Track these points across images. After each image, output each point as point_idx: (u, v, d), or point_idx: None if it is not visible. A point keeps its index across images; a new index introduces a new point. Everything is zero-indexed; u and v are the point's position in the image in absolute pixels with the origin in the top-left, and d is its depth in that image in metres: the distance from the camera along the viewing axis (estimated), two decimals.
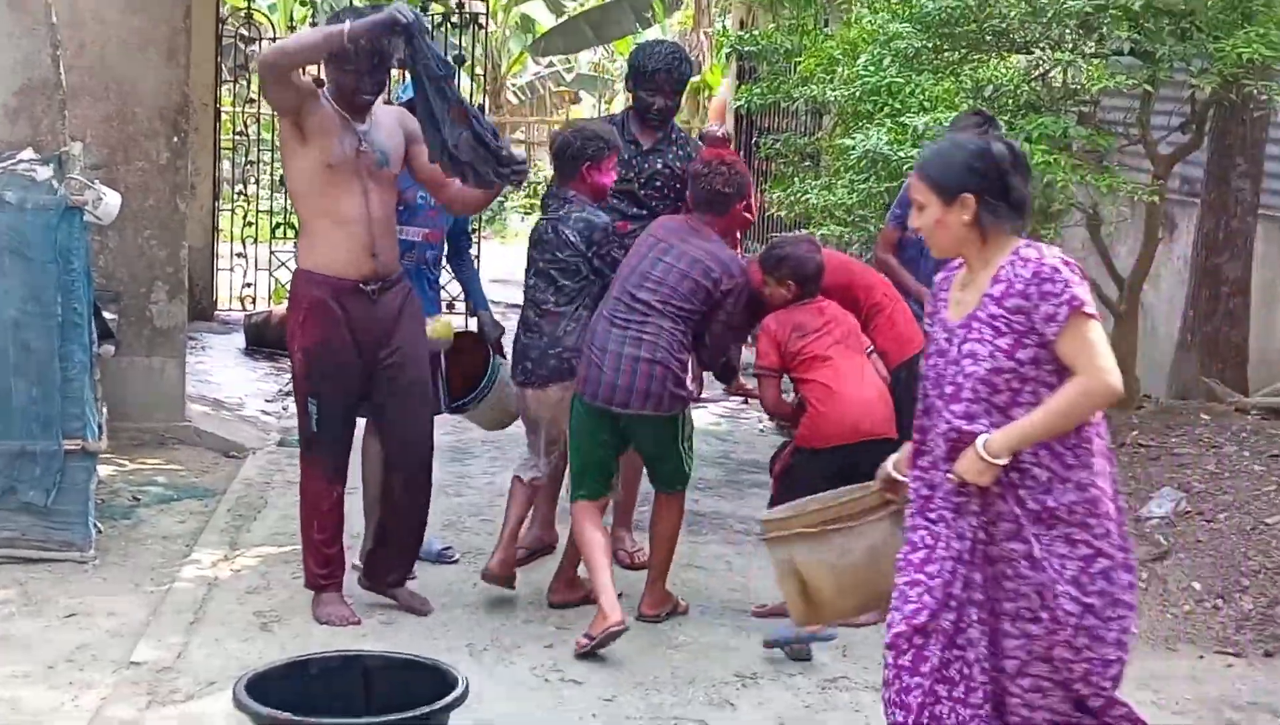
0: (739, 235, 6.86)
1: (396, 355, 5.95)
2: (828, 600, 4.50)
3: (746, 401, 9.59)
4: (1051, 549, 3.96)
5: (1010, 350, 3.95)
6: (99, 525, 6.95)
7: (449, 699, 4.17)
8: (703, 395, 7.13)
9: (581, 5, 25.90)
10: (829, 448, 6.12)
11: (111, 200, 6.82)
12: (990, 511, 3.99)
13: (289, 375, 11.00)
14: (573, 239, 6.21)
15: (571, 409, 6.17)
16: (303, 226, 6.07)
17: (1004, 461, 3.91)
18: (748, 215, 6.74)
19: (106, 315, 7.72)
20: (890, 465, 4.35)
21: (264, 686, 4.23)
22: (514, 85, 27.28)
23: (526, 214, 22.96)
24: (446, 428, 9.53)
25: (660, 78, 6.77)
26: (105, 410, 7.22)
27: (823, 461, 6.06)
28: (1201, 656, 6.28)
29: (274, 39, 14.72)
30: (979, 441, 3.91)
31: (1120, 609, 4.00)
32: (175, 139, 8.54)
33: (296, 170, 5.85)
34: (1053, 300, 3.92)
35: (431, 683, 4.29)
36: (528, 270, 6.40)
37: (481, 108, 14.71)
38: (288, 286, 13.18)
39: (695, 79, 26.09)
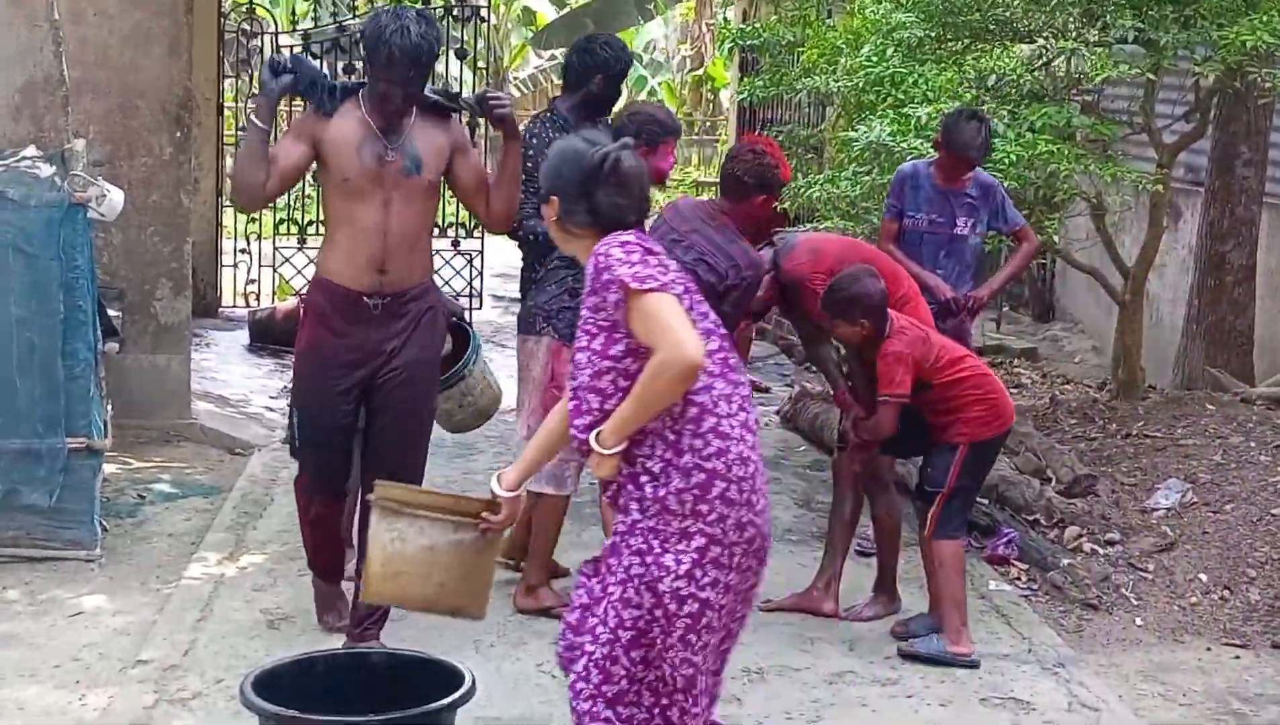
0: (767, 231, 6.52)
1: (396, 375, 5.55)
2: (372, 574, 4.38)
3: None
4: (666, 545, 3.89)
5: (603, 349, 3.91)
6: (104, 524, 6.95)
7: (456, 696, 4.15)
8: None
9: None
10: (1001, 434, 6.15)
11: (115, 197, 6.81)
12: (620, 506, 3.99)
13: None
14: None
15: None
16: (326, 231, 5.74)
17: (613, 451, 3.89)
18: (775, 212, 6.35)
19: (111, 312, 7.71)
20: (495, 481, 4.30)
21: (272, 684, 4.22)
22: (516, 78, 27.26)
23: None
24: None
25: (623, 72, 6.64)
26: (110, 408, 7.22)
27: (994, 449, 6.23)
28: (1209, 648, 6.27)
29: (275, 33, 14.74)
30: (592, 435, 3.90)
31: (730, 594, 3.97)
32: (179, 134, 8.52)
33: (321, 179, 5.66)
34: (611, 287, 3.87)
35: (439, 680, 4.28)
36: None
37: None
38: (292, 282, 13.32)
39: (699, 71, 26.08)
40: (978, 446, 6.03)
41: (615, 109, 6.92)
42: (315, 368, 5.57)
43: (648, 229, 6.14)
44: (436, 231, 10.28)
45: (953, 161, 7.00)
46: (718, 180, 6.10)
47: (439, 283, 8.38)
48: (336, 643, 5.67)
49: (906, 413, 6.01)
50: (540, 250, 6.17)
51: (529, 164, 6.00)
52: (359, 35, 13.51)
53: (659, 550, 3.88)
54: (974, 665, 5.84)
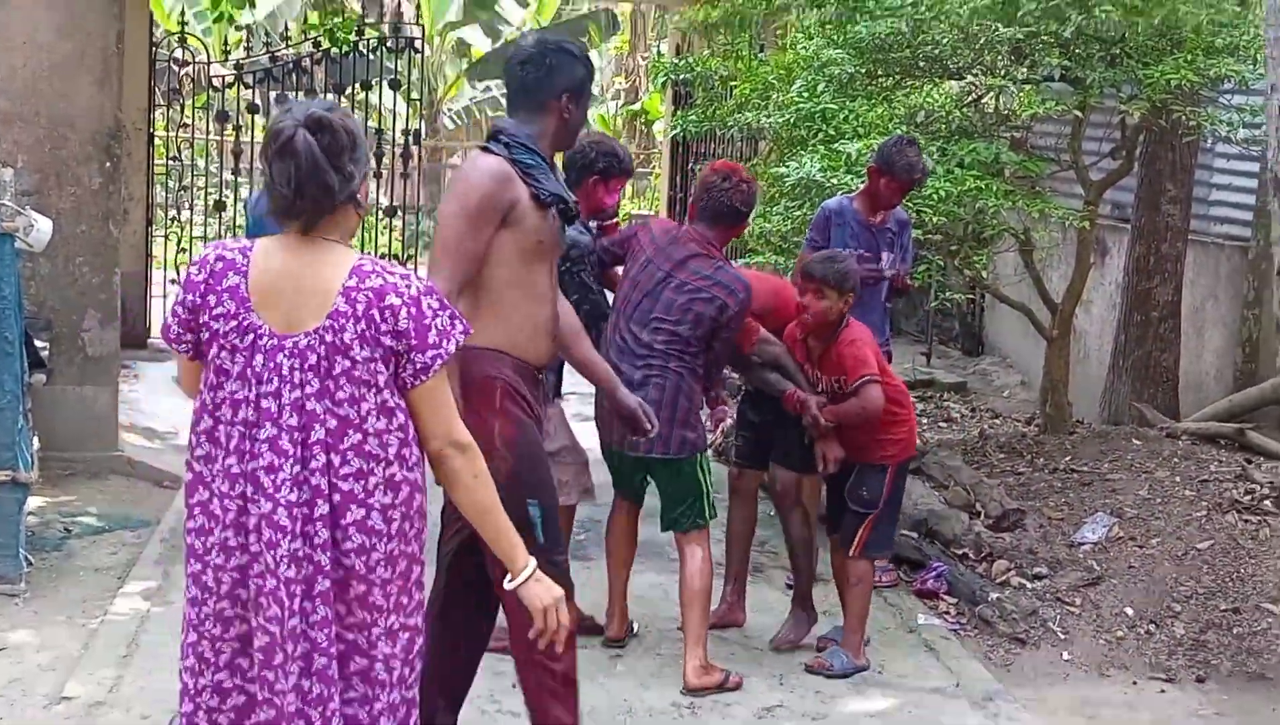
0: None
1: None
2: None
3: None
4: None
5: None
6: (29, 557, 6.86)
7: None
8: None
9: (517, 31, 25.89)
10: (913, 456, 6.39)
11: (43, 227, 6.74)
12: None
13: None
14: None
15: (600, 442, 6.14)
16: (482, 296, 4.57)
17: None
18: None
19: (38, 343, 7.64)
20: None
21: None
22: (450, 110, 27.22)
23: None
24: None
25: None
26: (37, 440, 7.14)
27: (907, 471, 6.40)
28: (1135, 682, 6.33)
29: (208, 63, 14.68)
30: None
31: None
32: (108, 164, 8.46)
33: (498, 240, 4.53)
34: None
35: None
36: None
37: (418, 132, 14.71)
38: None
39: (634, 106, 26.16)
40: (901, 467, 6.24)
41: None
42: (536, 446, 4.69)
43: (627, 253, 6.10)
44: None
45: (892, 188, 7.00)
46: (700, 206, 6.04)
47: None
48: None
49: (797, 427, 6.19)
50: None
51: None
52: (290, 66, 13.58)
53: None
54: (865, 668, 6.18)
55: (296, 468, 3.37)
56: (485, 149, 4.61)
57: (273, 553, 3.38)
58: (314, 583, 3.40)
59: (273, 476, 3.38)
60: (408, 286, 3.39)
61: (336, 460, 3.38)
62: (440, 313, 3.41)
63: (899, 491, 6.34)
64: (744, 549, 6.76)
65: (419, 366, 3.38)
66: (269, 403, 3.37)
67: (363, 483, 3.40)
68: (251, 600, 3.43)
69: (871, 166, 7.06)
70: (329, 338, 3.35)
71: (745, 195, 6.04)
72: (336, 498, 3.39)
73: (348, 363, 3.35)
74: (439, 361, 3.39)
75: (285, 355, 3.36)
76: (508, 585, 3.64)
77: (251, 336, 3.38)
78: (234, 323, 3.41)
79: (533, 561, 3.62)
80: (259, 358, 3.37)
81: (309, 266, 3.40)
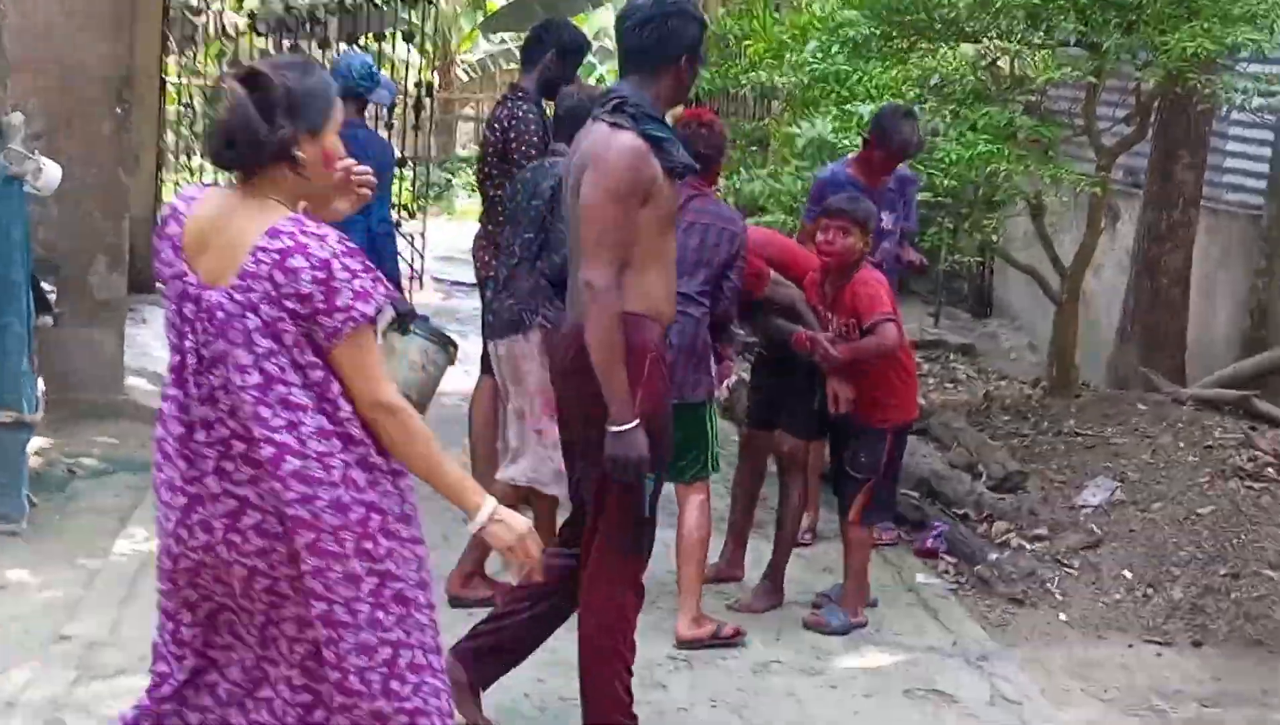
0: None
1: None
2: None
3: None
4: None
5: None
6: (33, 498, 6.90)
7: None
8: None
9: None
10: (913, 420, 6.46)
11: (52, 171, 6.76)
12: None
13: None
14: (544, 187, 5.96)
15: None
16: (626, 271, 4.52)
17: None
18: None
19: (45, 287, 7.65)
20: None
21: None
22: (465, 62, 27.17)
23: (473, 191, 22.85)
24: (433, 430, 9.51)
25: (585, 55, 7.20)
26: (43, 382, 7.16)
27: (906, 437, 6.49)
28: (1131, 645, 6.34)
29: (221, 11, 14.66)
30: None
31: None
32: (119, 111, 8.46)
33: (640, 216, 4.51)
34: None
35: None
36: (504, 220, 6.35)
37: (430, 85, 14.69)
38: None
39: None
40: (900, 432, 6.26)
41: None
42: (669, 428, 4.75)
43: None
44: None
45: (885, 159, 7.03)
46: None
47: None
48: None
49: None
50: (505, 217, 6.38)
51: (535, 134, 6.69)
52: (304, 16, 13.55)
53: None
54: (863, 625, 6.21)
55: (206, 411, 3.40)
56: (615, 123, 4.49)
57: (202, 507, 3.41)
58: (239, 516, 3.40)
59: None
60: (320, 249, 3.32)
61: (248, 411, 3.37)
62: (358, 276, 3.35)
63: (898, 457, 6.34)
64: (748, 504, 6.77)
65: (328, 330, 3.33)
66: (189, 351, 3.38)
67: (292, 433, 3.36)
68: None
69: (866, 135, 7.08)
70: (238, 296, 3.33)
71: (707, 139, 5.97)
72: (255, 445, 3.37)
73: (258, 321, 3.33)
74: (350, 325, 3.33)
75: (200, 306, 3.36)
76: (469, 528, 3.63)
77: (180, 285, 3.39)
78: (170, 270, 3.43)
79: (490, 502, 3.57)
80: (187, 306, 3.38)
81: (236, 222, 3.39)
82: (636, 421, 4.41)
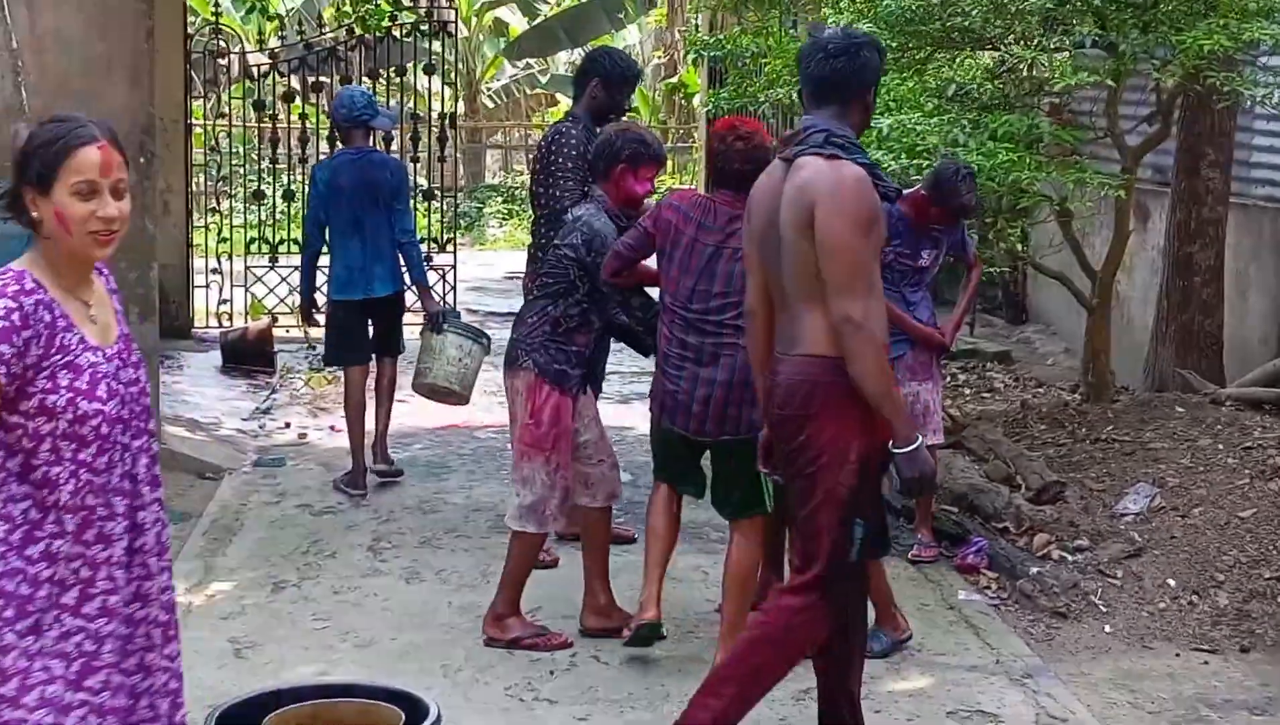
0: None
1: None
2: None
3: None
4: None
5: None
6: None
7: None
8: None
9: (555, 6, 25.89)
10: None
11: None
12: None
13: (265, 392, 11.06)
14: (574, 240, 5.98)
15: (651, 424, 6.04)
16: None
17: None
18: None
19: None
20: None
21: (238, 718, 4.21)
22: (489, 89, 27.25)
23: (505, 220, 22.93)
24: (424, 442, 9.55)
25: (633, 82, 7.31)
26: None
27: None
28: (1178, 654, 6.28)
29: (243, 52, 14.73)
30: None
31: None
32: (141, 160, 8.48)
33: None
34: None
35: (404, 711, 4.27)
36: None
37: (453, 115, 14.72)
38: (264, 302, 13.30)
39: (673, 80, 26.15)
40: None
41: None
42: (878, 473, 4.77)
43: (659, 240, 5.72)
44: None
45: (939, 215, 7.07)
46: (715, 172, 5.86)
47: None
48: (303, 671, 5.67)
49: None
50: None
51: (572, 152, 6.89)
52: (325, 53, 13.61)
53: None
54: (908, 639, 6.14)
55: None
56: (832, 156, 4.50)
57: None
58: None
59: None
60: None
61: None
62: None
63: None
64: (778, 531, 6.69)
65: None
66: None
67: None
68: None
69: (922, 193, 7.05)
70: None
71: (744, 154, 5.66)
72: None
73: None
74: None
75: None
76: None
77: None
78: None
79: None
80: None
81: None
82: (920, 440, 4.52)
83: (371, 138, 8.63)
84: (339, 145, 9.21)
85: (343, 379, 8.73)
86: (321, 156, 11.74)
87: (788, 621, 4.72)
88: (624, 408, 10.30)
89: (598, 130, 6.87)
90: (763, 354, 4.88)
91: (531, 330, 6.06)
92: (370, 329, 8.41)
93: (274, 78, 13.94)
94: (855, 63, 4.61)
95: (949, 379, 10.84)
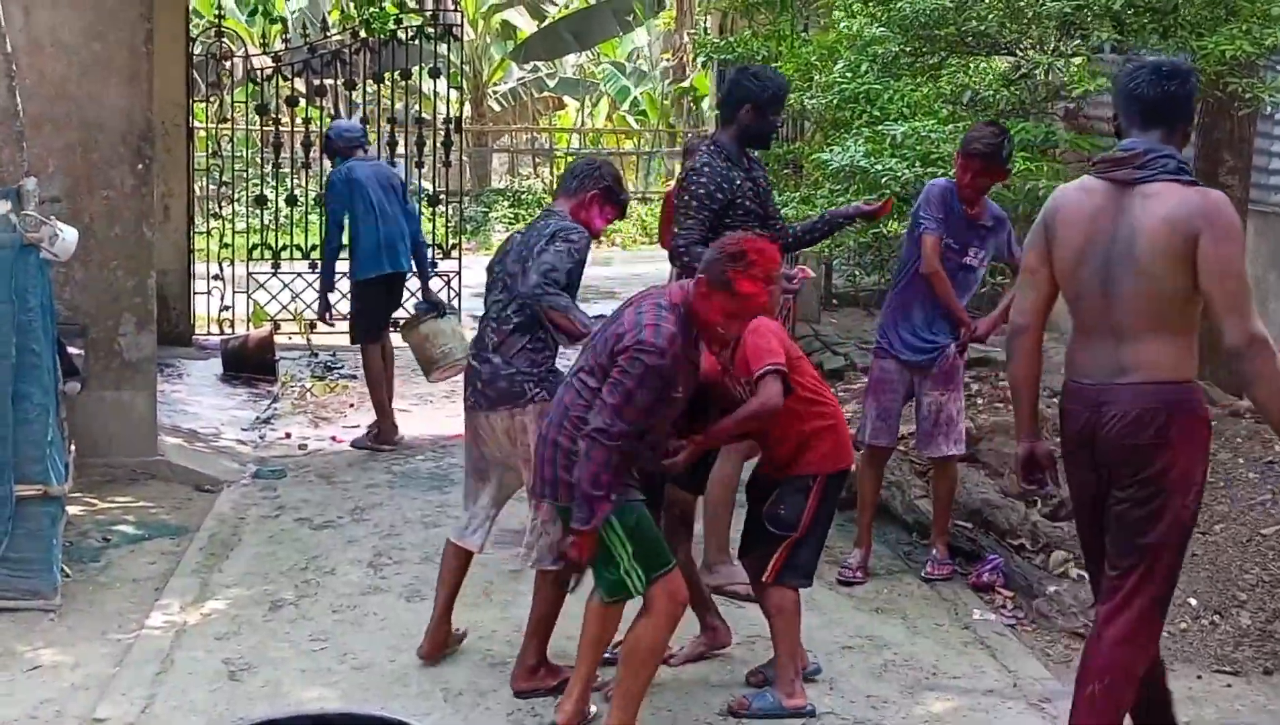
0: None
1: None
2: None
3: None
4: None
5: None
6: (66, 570, 6.76)
7: None
8: None
9: (563, 9, 25.74)
10: (846, 471, 5.76)
11: (68, 236, 6.63)
12: None
13: (267, 401, 10.90)
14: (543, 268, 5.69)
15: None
16: (1185, 330, 4.68)
17: None
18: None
19: (72, 350, 7.55)
20: None
21: None
22: (496, 92, 27.10)
23: (511, 224, 22.77)
24: (425, 454, 9.40)
25: (784, 99, 6.82)
26: (73, 448, 7.02)
27: (839, 488, 5.75)
28: (1200, 676, 6.11)
29: (247, 55, 14.58)
30: None
31: None
32: (140, 165, 8.35)
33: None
34: None
35: None
36: (491, 285, 5.94)
37: (458, 119, 14.57)
38: (266, 308, 13.15)
39: (683, 84, 26.02)
40: (829, 483, 5.62)
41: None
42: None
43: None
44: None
45: (963, 167, 6.89)
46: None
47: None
48: (299, 694, 5.51)
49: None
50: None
51: (699, 190, 6.40)
52: (329, 56, 13.47)
53: None
54: (811, 714, 5.50)
55: None
56: (1192, 182, 4.57)
57: None
58: None
59: None
60: None
61: None
62: None
63: (826, 512, 5.66)
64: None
65: None
66: None
67: None
68: None
69: (958, 158, 6.98)
70: None
71: (749, 273, 5.11)
72: None
73: None
74: None
75: None
76: None
77: None
78: None
79: None
80: None
81: None
82: None
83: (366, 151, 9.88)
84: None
85: (361, 357, 9.83)
86: (325, 162, 11.61)
87: (1129, 642, 4.74)
88: None
89: (744, 157, 6.60)
90: (1032, 370, 5.11)
91: (533, 363, 5.74)
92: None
93: (278, 81, 13.80)
94: (1186, 87, 4.65)
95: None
